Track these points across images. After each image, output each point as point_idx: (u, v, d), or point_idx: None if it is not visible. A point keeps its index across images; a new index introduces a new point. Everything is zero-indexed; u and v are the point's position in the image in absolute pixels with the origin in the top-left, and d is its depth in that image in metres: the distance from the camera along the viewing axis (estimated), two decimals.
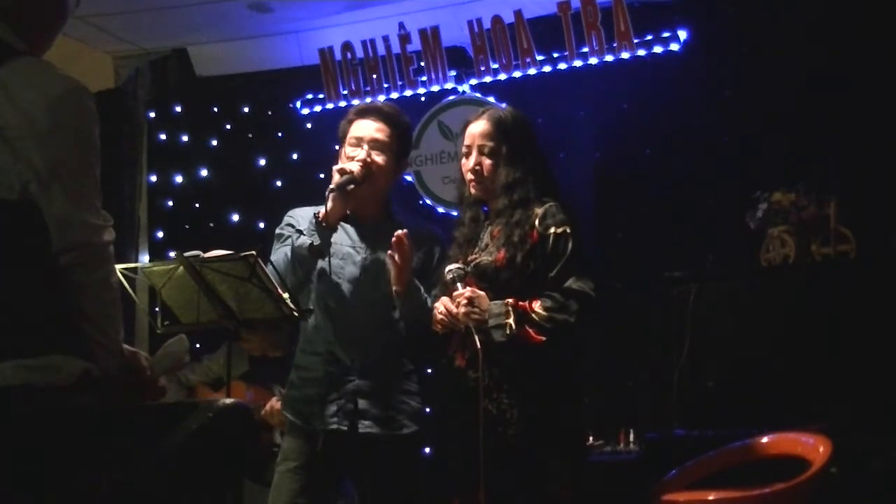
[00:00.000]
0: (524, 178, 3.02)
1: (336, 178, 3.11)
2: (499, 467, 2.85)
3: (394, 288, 3.10)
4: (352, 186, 3.09)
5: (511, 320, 2.88)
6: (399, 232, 3.03)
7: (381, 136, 3.20)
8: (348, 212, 3.20)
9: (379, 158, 3.18)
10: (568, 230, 2.96)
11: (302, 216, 3.25)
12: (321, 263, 3.11)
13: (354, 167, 3.11)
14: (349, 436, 3.09)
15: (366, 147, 3.18)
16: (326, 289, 3.16)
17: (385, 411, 3.13)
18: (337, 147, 3.32)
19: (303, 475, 3.11)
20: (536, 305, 2.89)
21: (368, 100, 5.37)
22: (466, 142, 3.12)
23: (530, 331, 2.88)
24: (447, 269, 3.01)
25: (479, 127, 3.10)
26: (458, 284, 2.96)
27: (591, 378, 4.40)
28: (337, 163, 3.23)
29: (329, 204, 3.05)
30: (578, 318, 2.90)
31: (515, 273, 2.95)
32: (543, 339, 2.88)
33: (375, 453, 3.12)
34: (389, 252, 3.06)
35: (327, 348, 3.15)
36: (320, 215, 3.06)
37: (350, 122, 3.25)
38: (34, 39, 2.03)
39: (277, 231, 3.26)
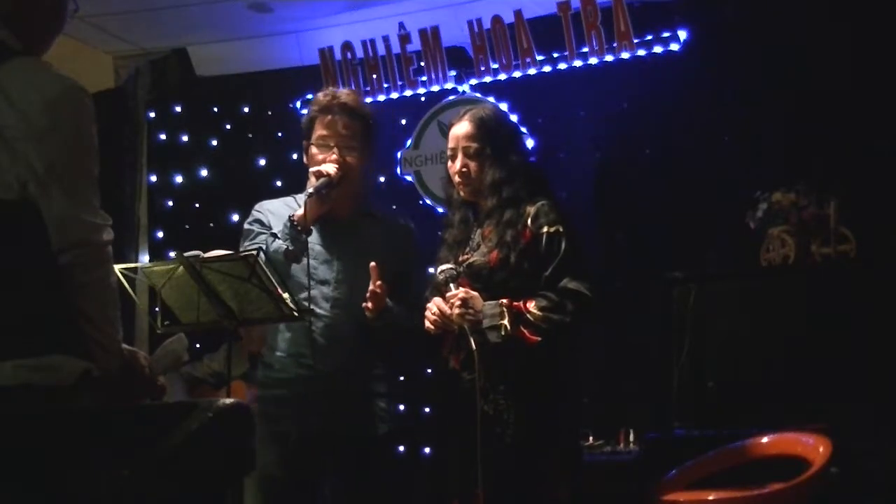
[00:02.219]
0: (511, 177, 3.01)
1: (312, 181, 3.07)
2: (497, 468, 2.85)
3: (367, 314, 3.06)
4: (326, 189, 3.06)
5: (506, 321, 2.87)
6: (375, 286, 2.99)
7: (347, 132, 3.16)
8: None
9: (350, 158, 3.15)
10: (561, 229, 2.95)
11: (271, 211, 3.21)
12: (296, 266, 3.08)
13: (331, 169, 3.08)
14: (321, 437, 3.07)
15: (335, 147, 3.14)
16: (300, 290, 3.09)
17: (356, 413, 3.11)
18: (305, 142, 3.26)
19: (276, 475, 3.08)
20: (531, 306, 2.88)
21: (369, 100, 5.37)
22: (451, 144, 3.10)
23: (525, 331, 2.87)
24: (439, 269, 3.00)
25: (461, 129, 3.08)
26: (451, 285, 2.95)
27: (591, 378, 4.40)
28: (305, 159, 3.21)
29: (306, 207, 3.03)
30: (574, 317, 2.90)
31: (509, 273, 2.94)
32: (539, 339, 2.88)
33: (348, 454, 3.10)
34: (365, 304, 3.02)
35: (299, 349, 3.12)
36: (295, 218, 3.03)
37: (313, 119, 3.19)
38: (31, 40, 2.03)
39: (246, 226, 3.21)
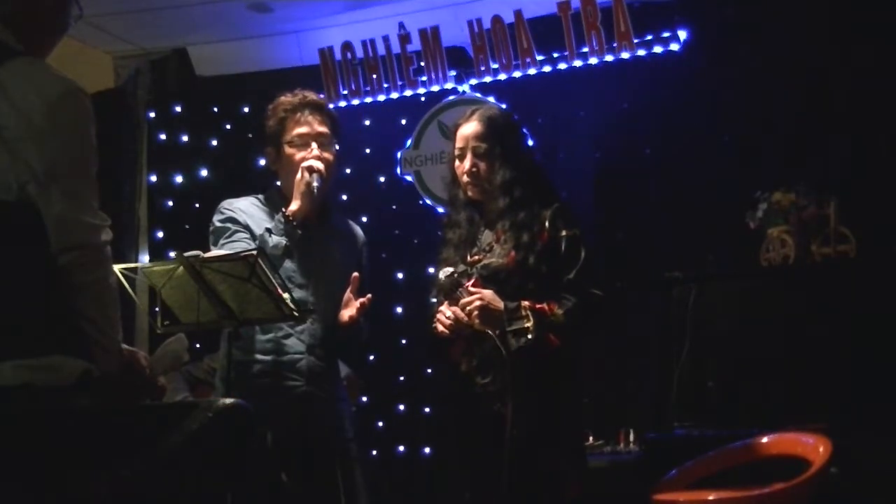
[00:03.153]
0: (521, 176, 3.01)
1: (305, 176, 3.05)
2: (510, 469, 2.83)
3: (345, 321, 3.07)
4: (320, 184, 3.06)
5: (531, 325, 2.85)
6: (365, 298, 3.02)
7: (324, 129, 3.16)
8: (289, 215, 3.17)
9: (328, 154, 3.16)
10: (578, 233, 2.95)
11: (242, 209, 3.19)
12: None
13: (320, 165, 3.08)
14: (295, 439, 3.06)
15: (314, 144, 3.13)
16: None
17: (328, 416, 3.12)
18: (269, 148, 3.24)
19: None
20: (556, 308, 2.87)
21: (369, 100, 5.38)
22: (459, 144, 3.08)
23: (549, 334, 2.86)
24: (441, 273, 2.98)
25: (471, 128, 3.06)
26: (461, 290, 2.92)
27: (591, 378, 4.40)
28: (273, 163, 3.21)
29: (301, 202, 3.03)
30: (594, 320, 2.91)
31: (527, 275, 2.92)
32: (560, 342, 2.87)
33: (320, 456, 3.09)
34: (348, 313, 3.04)
35: (272, 351, 3.11)
36: (290, 213, 3.03)
37: (283, 120, 3.17)
38: (33, 42, 2.03)
39: (219, 224, 3.17)
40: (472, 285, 2.91)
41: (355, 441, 3.18)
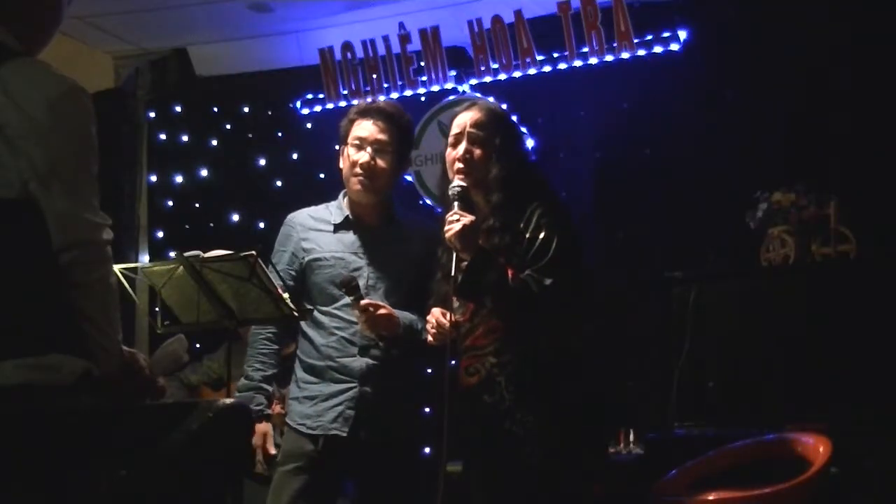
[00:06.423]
0: (517, 175, 2.89)
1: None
2: (523, 488, 2.78)
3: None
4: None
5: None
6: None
7: (383, 136, 3.21)
8: (350, 217, 3.25)
9: (382, 161, 3.20)
10: (552, 235, 2.79)
11: (300, 223, 3.28)
12: (325, 279, 3.17)
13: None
14: (350, 440, 3.10)
15: (368, 149, 3.19)
16: (327, 298, 3.17)
17: (385, 417, 3.13)
18: (338, 147, 3.33)
19: (303, 476, 3.11)
20: (513, 275, 2.77)
21: (369, 99, 5.38)
22: (455, 131, 2.95)
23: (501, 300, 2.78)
24: (449, 188, 2.88)
25: (471, 116, 2.94)
26: (456, 204, 2.82)
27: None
28: (339, 162, 3.26)
29: None
30: (525, 313, 2.80)
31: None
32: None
33: (376, 457, 3.12)
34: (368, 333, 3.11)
35: (329, 357, 3.15)
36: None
37: (352, 122, 3.26)
38: (30, 40, 2.03)
39: (277, 248, 3.27)
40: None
41: (415, 444, 3.27)
